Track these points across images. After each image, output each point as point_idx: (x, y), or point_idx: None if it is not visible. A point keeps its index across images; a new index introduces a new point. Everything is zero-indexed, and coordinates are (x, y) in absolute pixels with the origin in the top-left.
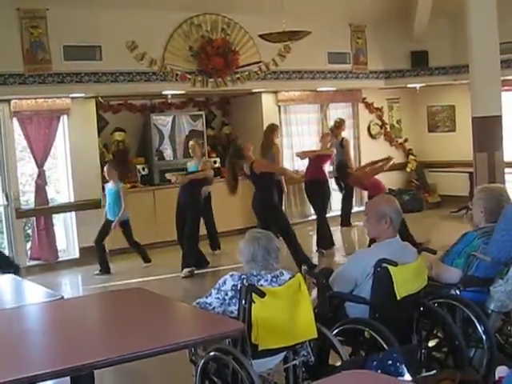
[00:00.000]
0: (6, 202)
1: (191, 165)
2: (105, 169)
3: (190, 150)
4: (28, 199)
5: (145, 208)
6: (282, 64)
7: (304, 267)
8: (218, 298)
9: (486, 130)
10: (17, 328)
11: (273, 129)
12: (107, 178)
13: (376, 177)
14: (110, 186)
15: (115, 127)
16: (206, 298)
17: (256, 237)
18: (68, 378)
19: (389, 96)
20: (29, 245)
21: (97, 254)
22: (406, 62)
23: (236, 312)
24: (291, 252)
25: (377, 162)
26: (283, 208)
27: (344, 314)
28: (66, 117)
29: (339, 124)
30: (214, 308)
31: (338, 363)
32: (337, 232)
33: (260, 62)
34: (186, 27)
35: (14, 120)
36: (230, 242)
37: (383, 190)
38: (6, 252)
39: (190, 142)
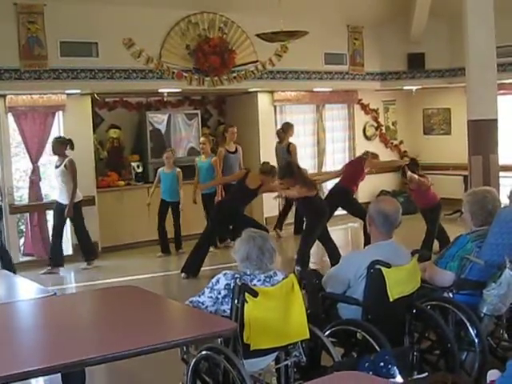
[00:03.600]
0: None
1: (202, 161)
2: (165, 155)
3: (201, 146)
4: (22, 195)
5: (139, 205)
6: (278, 64)
7: (297, 267)
8: (211, 296)
9: (482, 133)
10: (8, 324)
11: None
12: (167, 163)
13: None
14: (166, 171)
15: (110, 124)
16: (199, 296)
17: (251, 236)
18: (59, 374)
19: (385, 98)
20: (22, 240)
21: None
22: (403, 64)
23: (228, 311)
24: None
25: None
26: None
27: (336, 315)
28: (61, 113)
29: (286, 128)
30: (206, 307)
31: (330, 364)
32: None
33: (257, 61)
34: (184, 25)
35: (9, 115)
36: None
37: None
38: None
39: (201, 139)
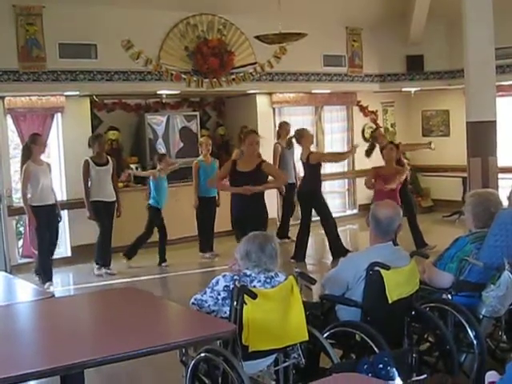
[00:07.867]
0: None
1: (206, 163)
2: (163, 161)
3: (203, 146)
4: (20, 197)
5: (137, 207)
6: (277, 66)
7: (296, 269)
8: (212, 296)
9: (481, 135)
10: (7, 326)
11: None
12: (163, 169)
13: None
14: (162, 176)
15: (109, 126)
16: (202, 295)
17: (254, 235)
18: (58, 376)
19: (383, 99)
20: (20, 242)
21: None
22: (402, 66)
23: (228, 313)
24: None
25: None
26: None
27: (335, 317)
28: (60, 115)
29: (280, 127)
30: (209, 305)
31: (329, 366)
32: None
33: (255, 63)
34: (182, 27)
35: (8, 117)
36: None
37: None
38: None
39: (202, 138)
